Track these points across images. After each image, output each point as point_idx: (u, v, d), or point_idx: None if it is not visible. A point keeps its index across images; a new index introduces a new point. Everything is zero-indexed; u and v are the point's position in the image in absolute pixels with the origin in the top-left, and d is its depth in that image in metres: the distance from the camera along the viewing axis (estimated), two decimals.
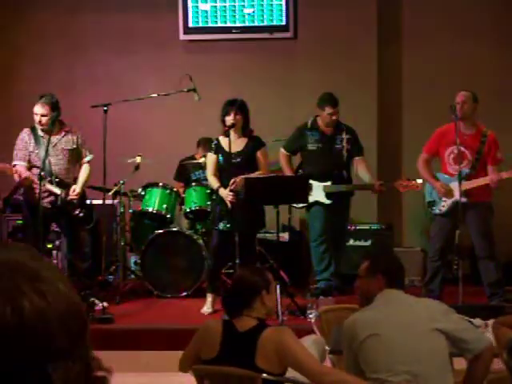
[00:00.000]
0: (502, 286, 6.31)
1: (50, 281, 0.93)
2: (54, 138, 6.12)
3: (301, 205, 6.68)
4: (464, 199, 6.07)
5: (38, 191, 5.93)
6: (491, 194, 6.35)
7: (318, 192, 6.60)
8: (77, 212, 6.22)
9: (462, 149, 6.14)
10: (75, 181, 6.24)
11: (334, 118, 6.54)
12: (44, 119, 6.06)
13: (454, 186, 6.13)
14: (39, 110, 6.07)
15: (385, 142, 8.05)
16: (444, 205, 6.27)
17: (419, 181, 6.41)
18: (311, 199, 6.56)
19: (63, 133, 6.21)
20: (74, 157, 6.27)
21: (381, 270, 3.39)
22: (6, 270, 0.92)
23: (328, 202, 6.61)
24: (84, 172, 6.30)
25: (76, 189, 6.15)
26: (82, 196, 6.26)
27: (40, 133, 6.14)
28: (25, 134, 6.18)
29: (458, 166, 6.07)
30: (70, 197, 6.13)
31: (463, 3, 8.04)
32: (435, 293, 6.16)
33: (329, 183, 6.62)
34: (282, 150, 6.76)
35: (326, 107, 6.52)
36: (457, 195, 6.09)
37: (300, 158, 6.87)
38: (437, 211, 6.33)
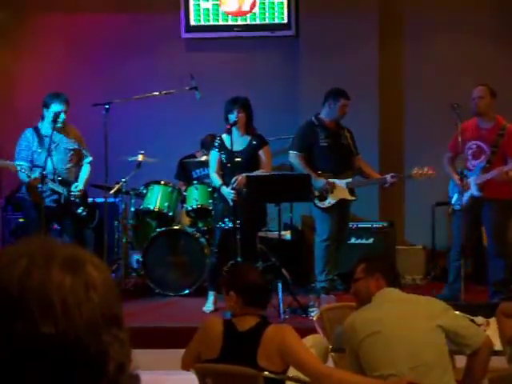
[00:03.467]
0: (506, 285, 6.25)
1: (97, 260, 1.02)
2: (57, 138, 6.13)
3: (325, 204, 6.48)
4: (478, 193, 6.01)
5: (42, 190, 5.94)
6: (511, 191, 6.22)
7: (341, 190, 6.52)
8: (80, 211, 6.23)
9: (480, 143, 6.08)
10: (76, 180, 6.26)
11: (346, 110, 6.54)
12: (64, 116, 6.08)
13: (470, 180, 6.10)
14: (64, 106, 6.07)
15: (386, 139, 8.04)
16: (461, 199, 6.17)
17: (425, 169, 6.38)
18: (335, 198, 6.47)
19: (66, 133, 6.23)
20: (75, 157, 6.29)
21: (379, 269, 3.42)
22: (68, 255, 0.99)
23: (353, 198, 6.57)
24: (85, 171, 6.32)
25: (78, 185, 6.16)
26: (84, 195, 6.28)
27: (43, 132, 6.14)
28: (28, 133, 6.18)
29: (476, 161, 6.03)
30: (73, 193, 6.14)
31: (464, 1, 8.03)
32: (459, 291, 6.04)
33: (350, 180, 6.59)
34: (294, 151, 6.55)
35: (340, 99, 6.50)
36: (473, 190, 6.04)
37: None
38: (457, 207, 6.26)
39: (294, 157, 6.56)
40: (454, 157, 6.41)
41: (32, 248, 0.97)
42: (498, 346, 3.57)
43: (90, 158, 6.37)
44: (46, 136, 6.13)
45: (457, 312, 3.53)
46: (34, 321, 0.90)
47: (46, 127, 6.15)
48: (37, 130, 6.17)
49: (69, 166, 6.24)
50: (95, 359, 0.93)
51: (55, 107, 6.05)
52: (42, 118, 6.16)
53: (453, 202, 6.30)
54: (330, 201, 6.48)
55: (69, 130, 6.26)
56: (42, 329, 0.90)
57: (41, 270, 0.93)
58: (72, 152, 6.25)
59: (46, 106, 6.10)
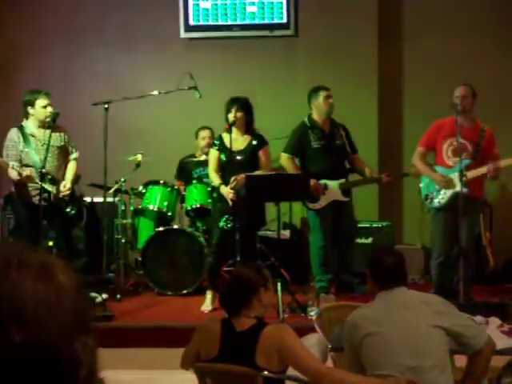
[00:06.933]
0: (469, 285, 6.07)
1: (67, 267, 0.99)
2: (44, 136, 6.11)
3: (315, 206, 6.47)
4: (466, 189, 5.91)
5: (31, 189, 5.95)
6: (483, 189, 6.30)
7: (334, 191, 6.48)
8: (68, 209, 6.23)
9: (462, 140, 6.01)
10: (63, 178, 6.26)
11: (331, 101, 6.47)
12: (50, 109, 6.09)
13: (455, 176, 6.01)
14: (47, 100, 6.09)
15: (385, 138, 8.04)
16: (443, 197, 6.11)
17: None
18: (326, 200, 6.43)
19: (53, 129, 6.22)
20: (62, 154, 6.28)
21: (370, 275, 3.41)
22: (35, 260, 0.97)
23: (346, 199, 6.53)
24: (71, 168, 6.32)
25: (67, 184, 6.16)
26: (72, 193, 6.26)
27: (28, 131, 6.14)
28: (13, 133, 6.16)
29: (459, 158, 5.98)
30: (62, 193, 6.14)
31: (464, 1, 8.03)
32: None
33: (343, 180, 6.55)
34: (285, 154, 6.53)
35: (320, 92, 6.46)
36: (458, 186, 6.00)
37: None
38: (436, 204, 6.17)
39: (285, 159, 6.55)
40: (426, 153, 6.35)
41: (2, 256, 0.95)
42: (499, 345, 3.54)
43: (76, 154, 6.35)
44: (31, 135, 6.13)
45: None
46: (5, 330, 0.89)
47: (30, 126, 6.15)
48: (21, 129, 6.16)
49: (56, 164, 6.23)
50: (68, 366, 0.92)
51: (41, 102, 6.07)
52: (26, 117, 6.17)
53: (433, 200, 6.16)
54: (321, 203, 6.45)
55: (55, 126, 6.25)
56: (14, 338, 0.89)
57: (13, 279, 0.92)
58: (59, 149, 6.24)
59: (31, 103, 6.11)
